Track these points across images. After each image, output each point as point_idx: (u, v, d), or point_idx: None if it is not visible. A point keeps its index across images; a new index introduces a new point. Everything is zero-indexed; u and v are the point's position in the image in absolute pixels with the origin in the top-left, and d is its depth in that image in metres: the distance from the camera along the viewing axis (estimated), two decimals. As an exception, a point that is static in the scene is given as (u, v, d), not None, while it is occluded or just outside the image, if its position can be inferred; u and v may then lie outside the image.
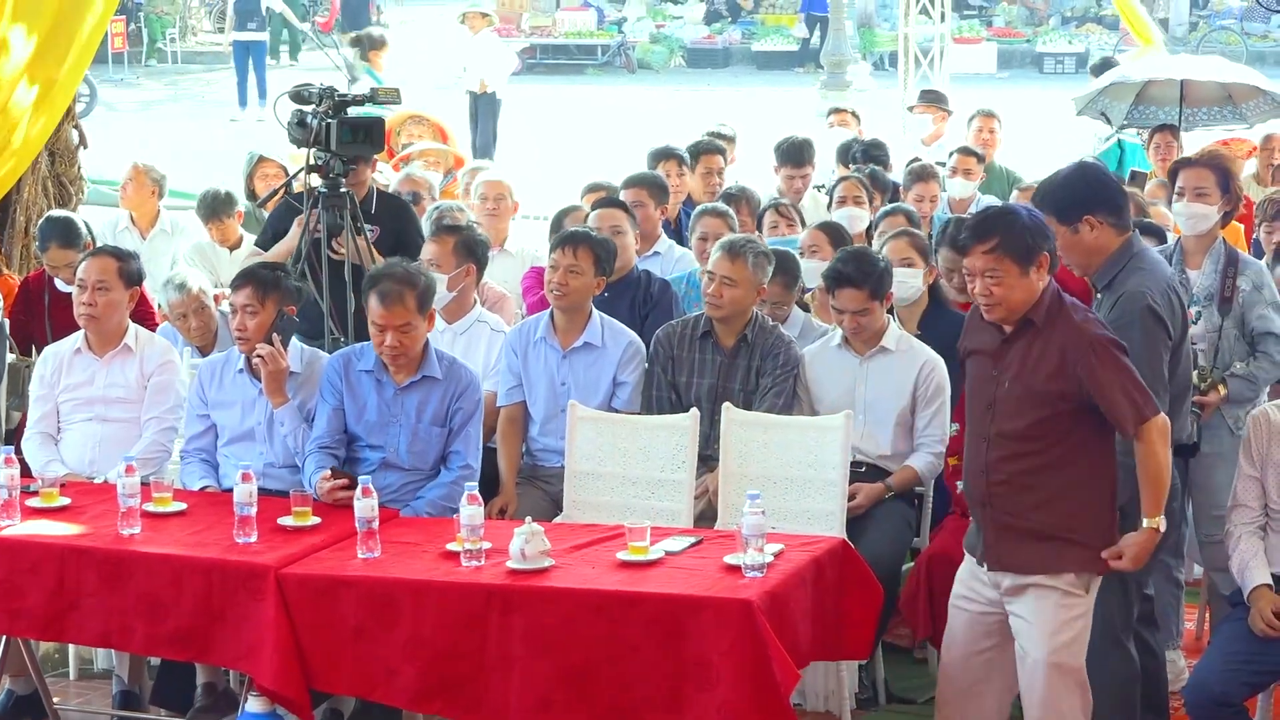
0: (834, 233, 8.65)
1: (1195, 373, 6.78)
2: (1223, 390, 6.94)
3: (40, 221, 9.22)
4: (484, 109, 19.08)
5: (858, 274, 7.10)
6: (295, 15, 27.70)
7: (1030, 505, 5.57)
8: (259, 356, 6.84)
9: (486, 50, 19.52)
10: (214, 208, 10.09)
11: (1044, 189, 6.08)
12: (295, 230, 7.93)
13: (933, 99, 13.85)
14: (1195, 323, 6.97)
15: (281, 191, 8.51)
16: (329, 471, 6.60)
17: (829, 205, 10.09)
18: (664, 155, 9.86)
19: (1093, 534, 5.57)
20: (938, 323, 7.66)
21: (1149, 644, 6.08)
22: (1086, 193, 5.95)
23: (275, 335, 6.86)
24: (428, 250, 7.83)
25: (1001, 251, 5.49)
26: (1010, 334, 5.61)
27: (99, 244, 8.66)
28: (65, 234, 8.81)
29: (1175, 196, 7.16)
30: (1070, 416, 5.51)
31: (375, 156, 8.53)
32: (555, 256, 7.48)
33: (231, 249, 9.95)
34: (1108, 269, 5.95)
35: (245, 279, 6.96)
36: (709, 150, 10.50)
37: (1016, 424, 5.55)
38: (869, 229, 9.45)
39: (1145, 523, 5.54)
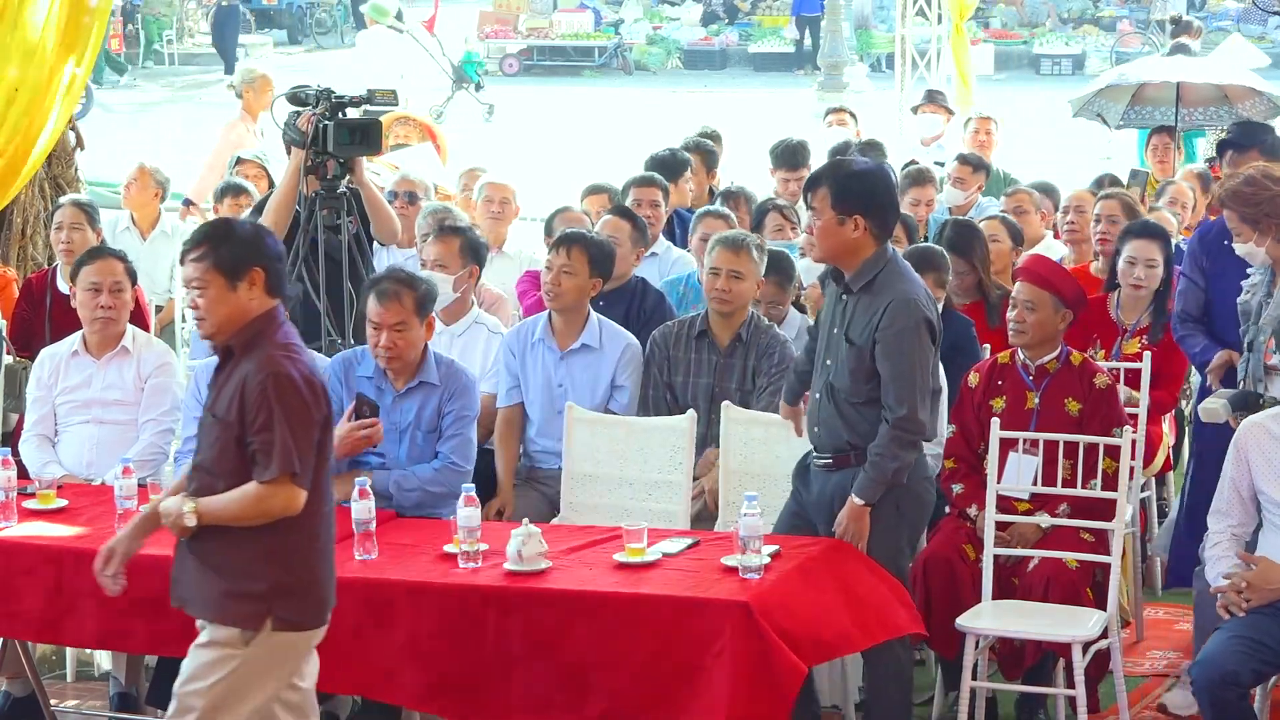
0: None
1: None
2: None
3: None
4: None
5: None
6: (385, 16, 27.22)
7: (213, 543, 5.22)
8: None
9: (376, 49, 18.94)
10: (232, 191, 10.09)
11: (838, 171, 6.20)
12: (292, 169, 7.81)
13: (939, 100, 13.83)
14: (1277, 352, 6.79)
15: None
16: (350, 409, 6.58)
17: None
18: (646, 182, 9.39)
19: (267, 583, 5.19)
20: (945, 324, 7.62)
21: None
22: (871, 195, 6.12)
23: None
24: (432, 250, 7.81)
25: (208, 262, 5.19)
26: (220, 360, 5.31)
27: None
28: (78, 199, 8.91)
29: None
30: (243, 450, 5.16)
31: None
32: (550, 258, 7.49)
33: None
34: (865, 271, 6.12)
35: None
36: (698, 151, 10.49)
37: (204, 457, 5.26)
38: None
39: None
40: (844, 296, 6.21)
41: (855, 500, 6.12)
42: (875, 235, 6.13)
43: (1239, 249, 6.80)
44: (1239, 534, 6.13)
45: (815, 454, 6.33)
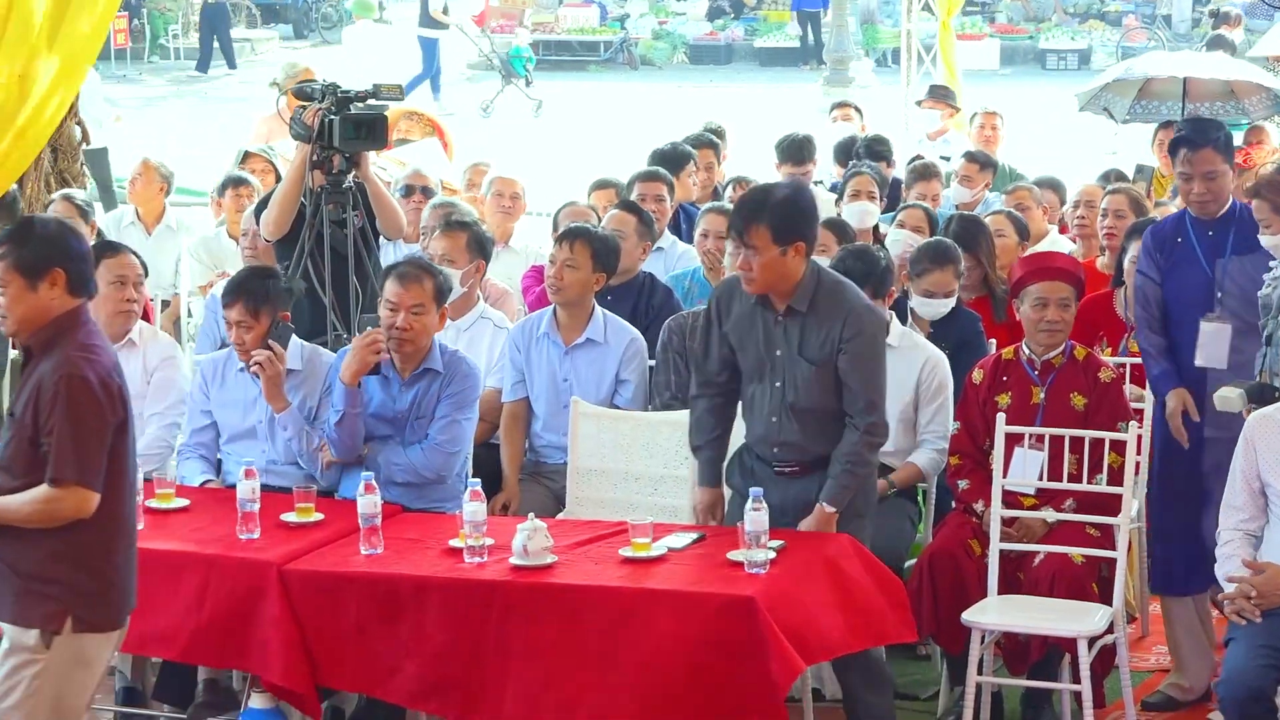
0: (840, 230, 8.62)
1: None
2: None
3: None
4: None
5: (859, 272, 7.09)
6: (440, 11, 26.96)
7: (8, 541, 5.14)
8: (256, 363, 6.84)
9: (364, 44, 18.73)
10: (233, 182, 10.10)
11: (770, 201, 6.16)
12: (297, 163, 7.81)
13: (942, 95, 13.84)
14: None
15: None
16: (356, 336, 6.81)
17: (837, 200, 10.04)
18: (650, 177, 9.41)
19: (62, 584, 5.14)
20: (953, 320, 7.64)
21: None
22: (805, 217, 6.18)
23: (272, 343, 6.85)
24: (439, 245, 7.83)
25: (8, 262, 5.14)
26: (24, 359, 5.21)
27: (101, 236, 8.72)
28: (70, 193, 8.99)
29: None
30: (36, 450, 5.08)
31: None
32: (553, 252, 7.53)
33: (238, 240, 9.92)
34: (805, 291, 6.17)
35: (236, 294, 6.92)
36: (703, 146, 10.49)
37: (2, 455, 5.18)
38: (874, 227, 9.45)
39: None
40: (780, 320, 6.22)
41: (826, 507, 6.17)
42: (807, 255, 6.20)
43: (1265, 241, 6.76)
44: (1250, 530, 6.08)
45: (775, 464, 6.33)
